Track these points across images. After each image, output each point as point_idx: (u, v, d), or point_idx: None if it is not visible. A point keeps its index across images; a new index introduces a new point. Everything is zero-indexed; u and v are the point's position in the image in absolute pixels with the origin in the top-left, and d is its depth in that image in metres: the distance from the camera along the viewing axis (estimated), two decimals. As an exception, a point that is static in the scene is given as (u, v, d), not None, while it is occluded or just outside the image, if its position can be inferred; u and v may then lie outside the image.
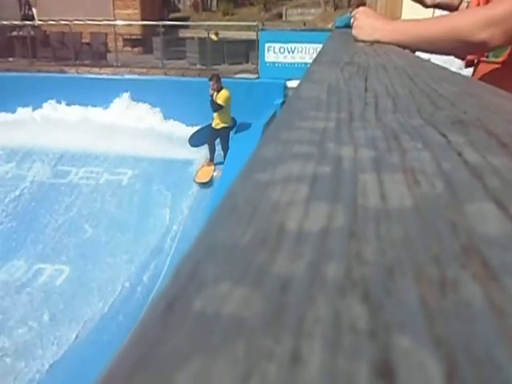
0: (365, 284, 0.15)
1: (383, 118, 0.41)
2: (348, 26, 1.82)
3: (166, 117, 9.85)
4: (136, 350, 0.13)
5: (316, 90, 0.55)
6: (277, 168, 0.27)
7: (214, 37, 12.15)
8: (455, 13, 1.30)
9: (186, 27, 15.78)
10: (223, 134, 8.16)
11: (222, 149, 8.22)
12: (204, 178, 8.17)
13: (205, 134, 8.32)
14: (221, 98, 7.98)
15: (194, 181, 8.16)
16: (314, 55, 1.18)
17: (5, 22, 13.45)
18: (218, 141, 8.26)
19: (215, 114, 8.09)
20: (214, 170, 8.18)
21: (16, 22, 13.77)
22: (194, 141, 8.48)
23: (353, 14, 1.40)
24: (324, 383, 0.11)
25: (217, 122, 8.13)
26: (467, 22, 1.06)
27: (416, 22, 1.18)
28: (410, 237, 0.19)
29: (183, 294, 0.15)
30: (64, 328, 5.89)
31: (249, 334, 0.13)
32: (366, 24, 1.27)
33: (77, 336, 5.78)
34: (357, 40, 1.31)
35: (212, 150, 8.27)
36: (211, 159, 8.31)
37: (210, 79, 8.09)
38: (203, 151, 8.40)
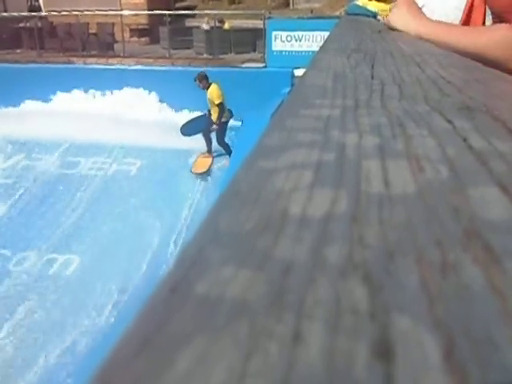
0: (366, 267, 0.15)
1: (389, 105, 0.41)
2: (362, 13, 1.79)
3: (174, 107, 9.85)
4: (141, 331, 0.13)
5: (322, 78, 0.55)
6: (281, 155, 0.27)
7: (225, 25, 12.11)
8: (485, 29, 1.17)
9: (193, 16, 15.72)
10: (220, 128, 8.07)
11: (218, 142, 8.13)
12: (201, 168, 8.13)
13: (198, 124, 8.23)
14: (214, 95, 7.83)
15: (191, 171, 8.12)
16: (322, 43, 1.17)
17: (12, 14, 13.47)
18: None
19: (213, 109, 7.99)
20: (213, 162, 8.14)
21: (23, 14, 13.77)
22: (186, 130, 8.41)
23: (395, 2, 1.38)
24: (323, 362, 0.11)
25: (216, 117, 8.04)
26: (495, 45, 0.97)
27: (449, 29, 1.13)
28: (412, 221, 0.19)
29: (187, 278, 0.15)
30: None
31: (251, 315, 0.13)
32: (404, 13, 1.25)
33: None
34: (389, 26, 1.30)
35: (208, 142, 8.18)
36: (209, 150, 8.24)
37: (195, 80, 7.98)
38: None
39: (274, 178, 0.23)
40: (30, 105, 10.36)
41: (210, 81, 8.02)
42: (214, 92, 7.94)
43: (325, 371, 0.11)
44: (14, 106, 10.33)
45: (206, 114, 8.28)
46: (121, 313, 5.80)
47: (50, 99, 10.34)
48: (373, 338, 0.12)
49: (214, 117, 8.06)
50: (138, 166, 8.58)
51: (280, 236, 0.17)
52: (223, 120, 8.09)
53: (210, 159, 8.26)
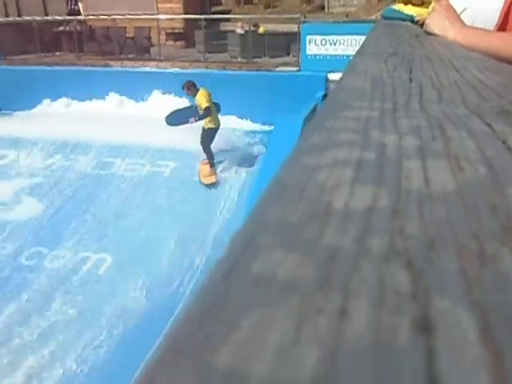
0: (407, 254, 0.16)
1: (428, 107, 0.42)
2: (398, 17, 1.78)
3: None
4: (203, 304, 0.14)
5: (359, 81, 0.56)
6: (323, 153, 0.28)
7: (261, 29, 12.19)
8: None
9: (228, 20, 15.85)
10: (208, 134, 7.92)
11: (202, 145, 7.99)
12: (209, 180, 8.05)
13: (184, 115, 8.12)
14: (201, 100, 7.75)
15: (201, 182, 8.06)
16: (357, 47, 1.17)
17: (52, 18, 13.90)
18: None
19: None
20: (216, 175, 8.07)
21: (63, 17, 14.19)
22: (171, 119, 8.34)
23: (432, 5, 1.38)
24: (369, 333, 0.12)
25: (207, 122, 7.93)
26: None
27: (487, 35, 1.12)
28: (451, 216, 0.20)
29: (240, 260, 0.16)
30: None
31: (301, 293, 0.14)
32: (442, 18, 1.24)
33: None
34: (426, 31, 1.31)
35: (210, 153, 8.02)
36: (212, 164, 8.09)
37: (183, 88, 7.95)
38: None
39: (317, 174, 0.24)
40: (68, 106, 10.66)
41: (198, 87, 7.93)
42: (201, 96, 7.81)
43: (371, 339, 0.12)
44: (53, 107, 10.65)
45: (193, 106, 8.20)
46: (152, 311, 5.88)
47: (88, 101, 10.60)
48: (415, 315, 0.13)
49: (204, 121, 7.99)
50: (171, 167, 8.71)
51: (325, 226, 0.19)
52: (213, 126, 7.98)
53: (214, 174, 8.20)
